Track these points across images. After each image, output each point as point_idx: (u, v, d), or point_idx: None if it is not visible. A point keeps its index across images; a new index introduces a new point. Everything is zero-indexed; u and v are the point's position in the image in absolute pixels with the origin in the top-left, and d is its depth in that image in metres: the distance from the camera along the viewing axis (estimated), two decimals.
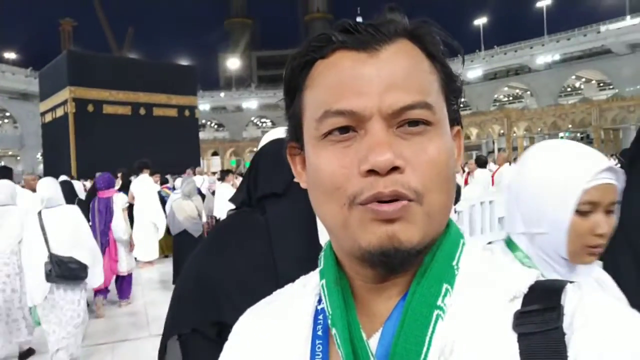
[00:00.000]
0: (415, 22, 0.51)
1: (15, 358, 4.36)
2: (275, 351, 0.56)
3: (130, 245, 5.76)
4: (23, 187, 6.58)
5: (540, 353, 0.43)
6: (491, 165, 11.36)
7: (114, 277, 5.73)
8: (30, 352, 4.42)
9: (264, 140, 2.00)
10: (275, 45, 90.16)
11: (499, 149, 42.17)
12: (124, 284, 5.84)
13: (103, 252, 5.15)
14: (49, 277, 3.50)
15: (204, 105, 50.00)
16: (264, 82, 72.56)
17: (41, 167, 29.72)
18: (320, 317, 0.54)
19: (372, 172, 0.45)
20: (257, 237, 1.25)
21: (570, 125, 39.42)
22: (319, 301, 0.55)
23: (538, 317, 0.44)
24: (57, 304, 3.59)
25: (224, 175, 8.65)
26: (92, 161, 17.01)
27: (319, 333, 0.54)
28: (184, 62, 46.77)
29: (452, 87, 0.53)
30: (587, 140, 43.16)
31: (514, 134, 41.07)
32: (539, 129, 41.12)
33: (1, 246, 4.08)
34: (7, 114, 46.55)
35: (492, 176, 8.41)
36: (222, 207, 6.65)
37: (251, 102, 57.28)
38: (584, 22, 45.04)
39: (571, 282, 0.48)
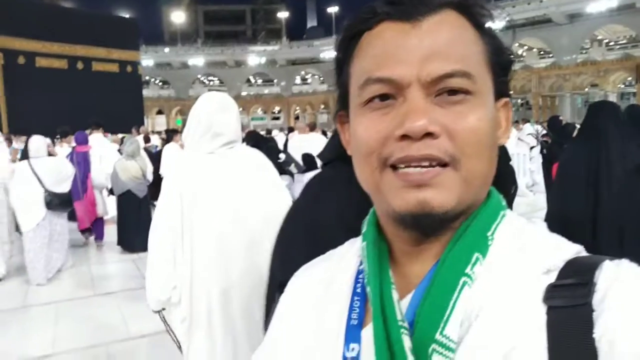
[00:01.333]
0: None
1: None
2: (320, 307, 0.59)
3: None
4: None
5: (565, 327, 0.42)
6: None
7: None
8: None
9: (201, 103, 2.00)
10: (223, 0, 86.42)
11: None
12: (99, 226, 6.75)
13: (82, 198, 6.29)
14: (49, 205, 4.98)
15: (147, 61, 47.63)
16: (210, 38, 69.74)
17: None
18: (361, 276, 0.58)
19: (406, 137, 0.47)
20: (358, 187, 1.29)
21: (511, 92, 40.81)
22: (361, 262, 0.58)
23: (568, 291, 0.44)
24: (54, 228, 5.12)
25: (170, 135, 8.42)
26: (25, 117, 15.98)
27: (358, 291, 0.57)
28: (125, 13, 44.04)
29: (500, 59, 0.53)
30: (526, 106, 45.10)
31: None
32: None
33: None
34: None
35: None
36: (169, 167, 6.54)
37: (198, 59, 55.12)
38: None
39: (610, 258, 0.47)
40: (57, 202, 5.06)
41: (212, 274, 1.91)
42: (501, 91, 0.54)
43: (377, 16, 0.51)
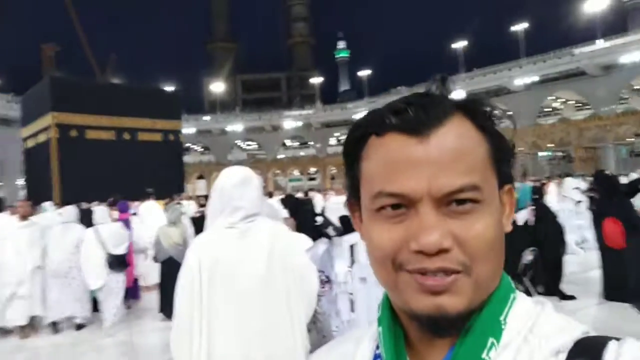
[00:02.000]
0: (466, 97, 0.56)
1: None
2: None
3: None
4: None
5: None
6: None
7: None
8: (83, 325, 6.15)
9: (222, 177, 2.04)
10: (260, 69, 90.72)
11: None
12: (135, 287, 7.42)
13: None
14: (110, 265, 5.74)
15: (189, 129, 49.84)
16: (248, 106, 72.79)
17: (22, 193, 29.16)
18: None
19: (420, 252, 0.49)
20: None
21: (550, 145, 40.19)
22: (378, 346, 0.59)
23: None
24: (111, 285, 5.77)
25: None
26: (76, 186, 16.76)
27: None
28: (168, 86, 46.75)
29: (502, 155, 0.56)
30: (568, 159, 43.99)
31: None
32: (520, 149, 41.83)
33: (69, 248, 5.99)
34: None
35: None
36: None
37: (236, 126, 57.30)
38: (559, 45, 46.28)
39: (617, 338, 0.50)
40: (117, 263, 5.87)
41: (230, 351, 1.87)
42: (504, 179, 0.56)
43: (385, 126, 0.53)
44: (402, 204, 0.51)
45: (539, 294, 5.89)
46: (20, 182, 34.92)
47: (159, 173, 19.40)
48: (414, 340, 0.57)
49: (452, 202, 0.50)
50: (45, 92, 20.06)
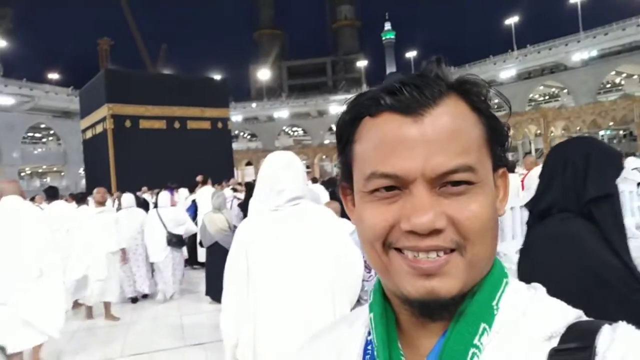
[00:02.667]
0: (460, 77, 0.54)
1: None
2: None
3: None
4: (66, 200, 8.79)
5: None
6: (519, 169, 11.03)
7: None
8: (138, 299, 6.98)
9: (267, 162, 2.05)
10: (305, 55, 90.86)
11: (536, 150, 41.06)
12: None
13: None
14: (169, 242, 6.71)
15: (236, 116, 50.84)
16: (294, 92, 73.17)
17: (83, 182, 30.85)
18: (369, 347, 0.58)
19: (412, 232, 0.49)
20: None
21: (611, 123, 37.97)
22: (369, 333, 0.59)
23: (570, 355, 0.46)
24: (170, 261, 6.74)
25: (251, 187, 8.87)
26: (130, 175, 17.52)
27: None
28: (216, 75, 47.79)
29: (497, 137, 0.55)
30: (630, 137, 41.43)
31: (552, 134, 39.88)
32: (578, 128, 39.77)
33: (135, 227, 6.86)
34: (52, 131, 48.65)
35: (522, 180, 8.13)
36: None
37: (282, 112, 57.84)
38: (621, 15, 43.31)
39: (609, 323, 0.49)
40: (175, 241, 6.79)
41: (275, 337, 1.89)
42: (499, 162, 0.56)
43: (379, 106, 0.52)
44: (396, 186, 0.50)
45: None
46: (81, 171, 36.94)
47: (209, 160, 19.94)
48: (406, 326, 0.56)
49: (447, 183, 0.49)
50: (101, 85, 20.99)
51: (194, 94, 22.42)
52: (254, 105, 60.03)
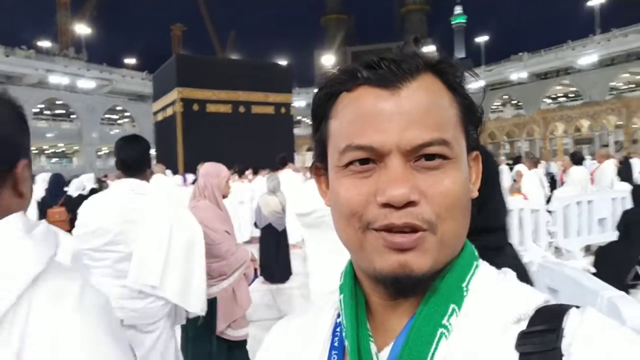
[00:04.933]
0: (437, 56, 0.54)
1: None
2: None
3: None
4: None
5: None
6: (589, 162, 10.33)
7: None
8: None
9: None
10: (371, 40, 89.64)
11: (615, 142, 38.21)
12: None
13: None
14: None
15: (299, 101, 51.30)
16: None
17: (153, 163, 32.45)
18: (338, 329, 0.59)
19: (387, 204, 0.49)
20: None
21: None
22: (339, 314, 0.59)
23: (539, 338, 0.47)
24: None
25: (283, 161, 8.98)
26: (196, 156, 18.28)
27: (336, 344, 0.58)
28: (281, 60, 48.41)
29: (471, 118, 0.56)
30: None
31: (634, 126, 36.94)
32: None
33: None
34: (127, 113, 51.57)
35: (592, 174, 7.64)
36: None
37: None
38: None
39: (577, 306, 0.50)
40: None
41: None
42: (472, 145, 0.56)
43: (356, 79, 0.53)
44: (371, 159, 0.51)
45: None
46: (153, 152, 38.99)
47: (271, 145, 20.35)
48: (376, 309, 0.56)
49: (421, 157, 0.50)
50: (172, 70, 21.91)
51: (259, 79, 22.88)
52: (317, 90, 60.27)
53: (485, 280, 0.54)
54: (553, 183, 9.61)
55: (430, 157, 0.50)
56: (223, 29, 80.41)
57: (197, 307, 2.48)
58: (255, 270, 3.33)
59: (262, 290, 6.23)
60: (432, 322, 0.50)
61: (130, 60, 59.35)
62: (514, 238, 5.70)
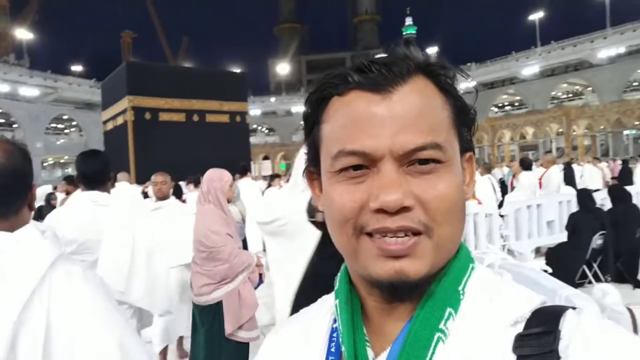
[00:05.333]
0: (428, 58, 0.54)
1: None
2: None
3: None
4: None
5: None
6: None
7: None
8: None
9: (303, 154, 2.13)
10: (325, 49, 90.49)
11: (557, 149, 40.29)
12: None
13: None
14: None
15: (254, 110, 51.03)
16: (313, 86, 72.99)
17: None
18: (335, 334, 0.58)
19: (381, 210, 0.48)
20: None
21: (636, 122, 37.04)
22: (335, 320, 0.58)
23: (536, 340, 0.46)
24: None
25: (272, 179, 8.85)
26: (149, 167, 17.77)
27: (332, 350, 0.57)
28: (235, 68, 48.10)
29: (464, 119, 0.55)
30: None
31: (574, 133, 39.07)
32: (602, 127, 38.90)
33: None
34: (74, 122, 49.52)
35: (540, 179, 8.04)
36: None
37: (300, 107, 57.47)
38: None
39: (573, 307, 0.49)
40: None
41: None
42: (466, 147, 0.56)
43: (347, 84, 0.52)
44: (364, 164, 0.50)
45: (608, 281, 5.51)
46: None
47: (226, 154, 20.09)
48: (372, 313, 0.56)
49: (415, 161, 0.49)
50: (122, 77, 21.28)
51: (213, 87, 22.60)
52: (272, 99, 60.14)
53: (482, 283, 0.54)
54: (503, 188, 9.99)
55: (423, 161, 0.49)
56: (175, 36, 78.92)
57: (162, 309, 2.66)
58: (261, 275, 3.38)
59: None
60: (429, 327, 0.50)
61: (77, 68, 57.08)
62: (469, 242, 5.87)
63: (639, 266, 5.96)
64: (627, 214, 5.95)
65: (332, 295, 0.61)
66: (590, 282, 5.30)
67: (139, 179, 16.62)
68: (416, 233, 0.49)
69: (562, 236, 6.42)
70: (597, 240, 5.33)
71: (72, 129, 51.76)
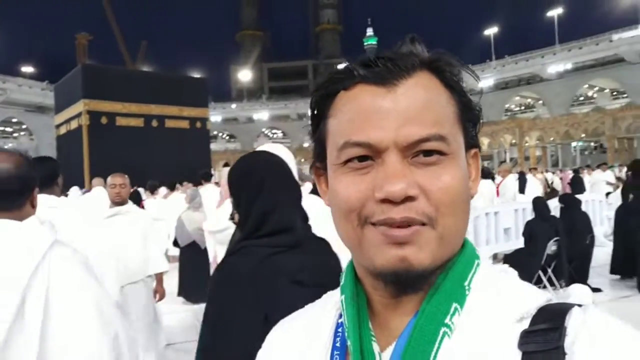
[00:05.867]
0: (433, 54, 0.54)
1: None
2: None
3: None
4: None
5: None
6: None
7: None
8: None
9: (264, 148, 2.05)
10: (286, 57, 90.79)
11: (511, 159, 41.86)
12: None
13: None
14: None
15: (215, 116, 50.47)
16: (275, 94, 72.99)
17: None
18: (340, 330, 0.58)
19: (386, 200, 0.48)
20: None
21: (583, 135, 39.03)
22: (341, 315, 0.58)
23: (541, 336, 0.46)
24: None
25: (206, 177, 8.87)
26: (104, 172, 17.21)
27: (338, 345, 0.57)
28: (196, 74, 47.39)
29: (469, 115, 0.55)
30: (600, 149, 42.63)
31: (526, 144, 40.74)
32: (552, 139, 40.75)
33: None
34: (24, 126, 47.40)
35: (497, 187, 8.35)
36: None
37: (262, 114, 57.68)
38: (596, 30, 44.78)
39: (579, 305, 0.49)
40: None
41: None
42: (471, 143, 0.56)
43: (353, 78, 0.53)
44: (369, 156, 0.50)
45: (562, 285, 5.74)
46: None
47: (186, 160, 19.73)
48: (377, 308, 0.56)
49: (419, 153, 0.50)
50: (77, 80, 20.56)
51: (173, 92, 22.17)
52: (233, 106, 59.71)
53: (487, 279, 0.54)
54: None
55: (427, 153, 0.50)
56: (133, 39, 77.03)
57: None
58: None
59: (183, 312, 5.94)
60: (434, 321, 0.50)
61: (28, 69, 54.76)
62: None
63: (589, 271, 6.25)
64: (578, 220, 6.24)
65: (337, 291, 0.61)
66: (545, 287, 5.51)
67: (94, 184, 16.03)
68: (420, 224, 0.49)
69: (518, 242, 6.65)
70: (551, 247, 5.55)
71: (22, 133, 49.52)
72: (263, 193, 1.47)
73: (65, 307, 1.26)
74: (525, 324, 0.48)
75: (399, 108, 0.50)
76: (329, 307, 0.62)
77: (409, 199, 0.48)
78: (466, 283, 0.52)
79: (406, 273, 0.49)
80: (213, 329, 1.35)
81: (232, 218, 1.76)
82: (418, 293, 0.52)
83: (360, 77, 0.52)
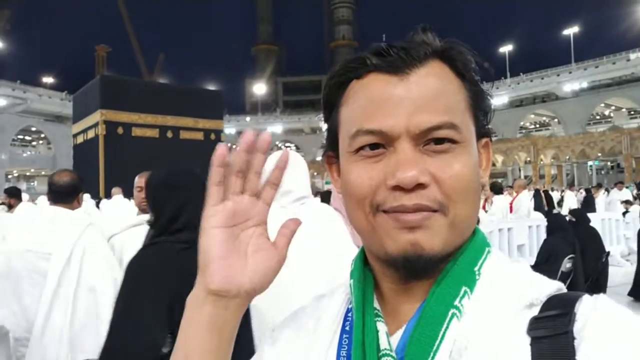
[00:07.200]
0: (445, 43, 0.55)
1: None
2: (309, 344, 0.60)
3: None
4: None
5: (548, 356, 0.44)
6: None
7: None
8: None
9: (270, 160, 2.06)
10: (301, 72, 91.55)
11: (525, 177, 41.44)
12: None
13: None
14: None
15: (229, 129, 50.93)
16: (289, 108, 73.56)
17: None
18: (350, 314, 0.59)
19: (397, 187, 0.49)
20: None
21: (599, 154, 38.55)
22: (351, 301, 0.59)
23: (551, 322, 0.46)
24: None
25: None
26: (119, 181, 17.41)
27: (347, 328, 0.58)
28: (212, 87, 48.01)
29: (481, 105, 0.56)
30: (618, 168, 42.02)
31: (541, 162, 40.35)
32: (567, 157, 40.32)
33: None
34: (42, 135, 48.29)
35: (511, 203, 8.27)
36: None
37: (276, 127, 58.05)
38: (613, 49, 44.49)
39: (590, 293, 0.49)
40: None
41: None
42: (482, 132, 0.57)
43: (366, 67, 0.53)
44: (381, 144, 0.51)
45: None
46: None
47: (200, 171, 19.83)
48: (387, 294, 0.56)
49: (431, 141, 0.50)
50: (95, 91, 20.98)
51: (189, 104, 22.47)
52: (248, 119, 60.22)
53: (498, 266, 0.54)
54: None
55: (439, 141, 0.50)
56: (151, 52, 78.51)
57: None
58: None
59: None
60: (444, 303, 0.50)
61: (48, 79, 55.94)
62: None
63: (605, 291, 6.11)
64: (591, 238, 6.12)
65: (347, 277, 0.61)
66: None
67: (108, 194, 16.22)
68: (432, 211, 0.49)
69: (532, 260, 6.55)
70: (566, 264, 5.44)
71: (40, 142, 50.43)
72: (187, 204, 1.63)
73: (93, 263, 2.25)
74: (535, 311, 0.48)
75: (411, 96, 0.50)
76: (339, 292, 0.63)
77: (420, 186, 0.49)
78: (476, 268, 0.52)
79: (417, 258, 0.50)
80: (121, 314, 1.43)
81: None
82: (428, 280, 0.53)
83: (373, 65, 0.52)
